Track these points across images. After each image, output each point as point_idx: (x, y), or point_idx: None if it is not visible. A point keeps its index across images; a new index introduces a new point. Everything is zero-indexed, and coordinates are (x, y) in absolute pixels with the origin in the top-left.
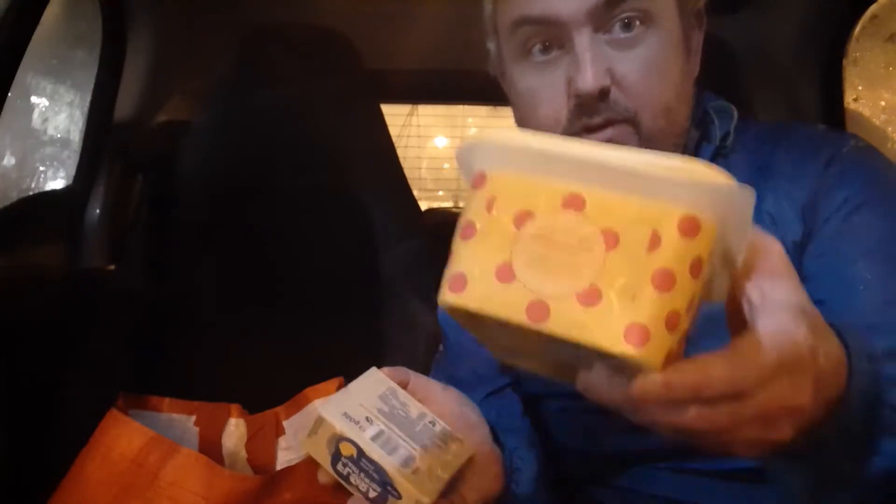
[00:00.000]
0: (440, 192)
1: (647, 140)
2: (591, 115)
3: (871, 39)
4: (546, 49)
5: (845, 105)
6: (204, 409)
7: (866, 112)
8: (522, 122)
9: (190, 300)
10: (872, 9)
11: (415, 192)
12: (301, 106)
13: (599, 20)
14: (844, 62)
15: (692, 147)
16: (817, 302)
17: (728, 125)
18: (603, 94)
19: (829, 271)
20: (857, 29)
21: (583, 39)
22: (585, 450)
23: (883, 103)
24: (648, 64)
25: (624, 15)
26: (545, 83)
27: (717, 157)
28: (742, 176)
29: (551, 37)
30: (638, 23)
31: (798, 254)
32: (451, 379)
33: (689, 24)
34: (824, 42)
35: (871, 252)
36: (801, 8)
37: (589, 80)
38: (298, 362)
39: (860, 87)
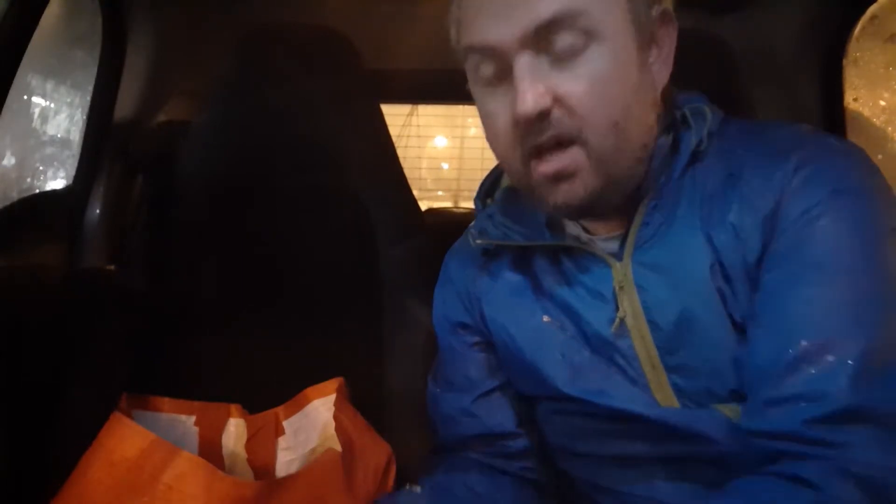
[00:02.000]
0: (440, 193)
1: (598, 160)
2: (536, 138)
3: (871, 39)
4: (495, 74)
5: (845, 105)
6: (204, 409)
7: (866, 112)
8: (489, 141)
9: (190, 300)
10: (872, 9)
11: (415, 192)
12: (301, 106)
13: (537, 44)
14: (844, 62)
15: (661, 157)
16: (758, 324)
17: (702, 131)
18: (542, 115)
19: (774, 290)
20: (857, 29)
21: (521, 65)
22: (578, 452)
23: (883, 103)
24: (591, 81)
25: (561, 37)
26: (497, 107)
27: (691, 165)
28: (712, 185)
29: (497, 62)
30: (579, 42)
31: (756, 270)
32: (445, 382)
33: (645, 32)
34: (824, 42)
35: (820, 267)
36: (801, 8)
37: (524, 103)
38: (298, 362)
39: (860, 87)
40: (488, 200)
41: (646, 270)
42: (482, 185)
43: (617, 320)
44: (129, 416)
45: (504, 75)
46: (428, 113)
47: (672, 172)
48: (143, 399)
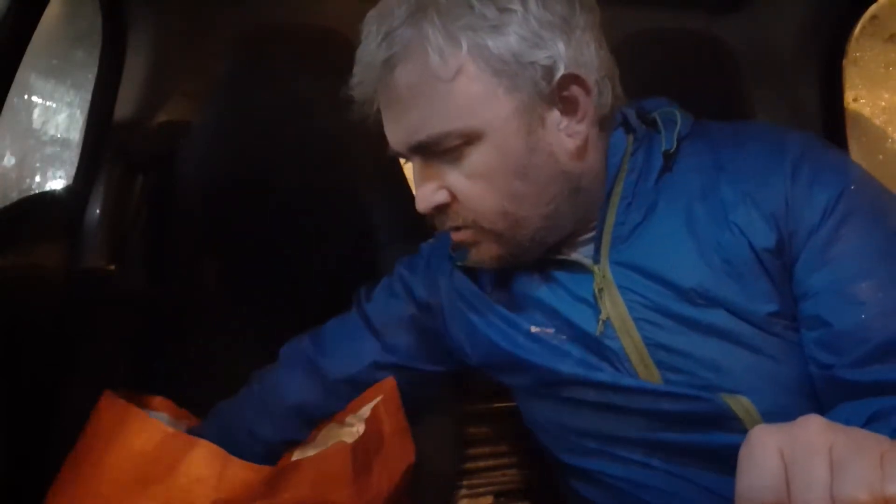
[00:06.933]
0: None
1: (496, 237)
2: (440, 224)
3: (871, 39)
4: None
5: (845, 105)
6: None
7: (866, 112)
8: None
9: (190, 300)
10: (872, 9)
11: (415, 192)
12: (301, 106)
13: (424, 151)
14: (844, 62)
15: (612, 178)
16: (824, 323)
17: (672, 134)
18: (440, 208)
19: (831, 289)
20: (857, 29)
21: (415, 167)
22: (566, 434)
23: (883, 103)
24: (474, 178)
25: (440, 148)
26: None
27: (667, 168)
28: (699, 186)
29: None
30: (460, 146)
31: (774, 259)
32: (366, 311)
33: (536, 113)
34: (824, 42)
35: (872, 270)
36: (801, 8)
37: (418, 204)
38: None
39: (860, 87)
40: None
41: (626, 270)
42: None
43: (600, 322)
44: None
45: None
46: None
47: (647, 175)
48: (148, 399)
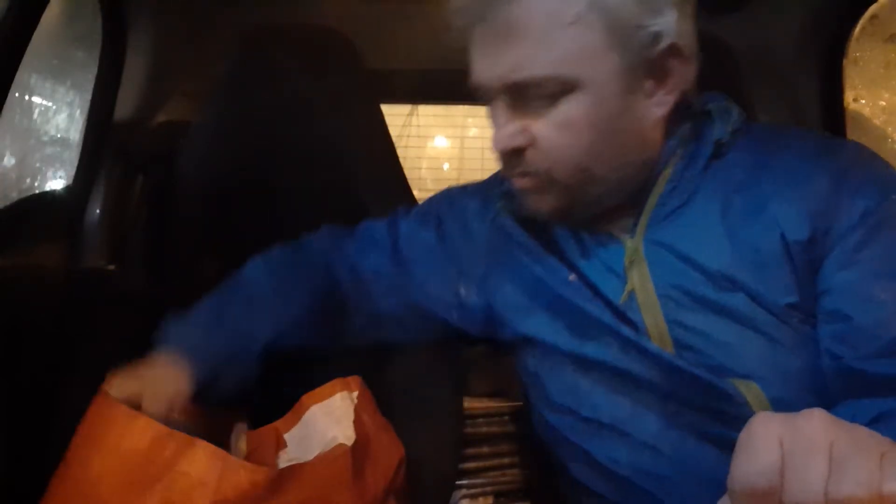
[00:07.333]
0: None
1: (563, 190)
2: (509, 166)
3: (871, 39)
4: (491, 106)
5: (845, 105)
6: (210, 413)
7: (866, 112)
8: None
9: (190, 300)
10: (872, 9)
11: (415, 192)
12: (301, 106)
13: (515, 91)
14: (844, 62)
15: (689, 144)
16: (844, 317)
17: (726, 126)
18: (515, 152)
19: (855, 286)
20: (857, 29)
21: (496, 106)
22: (573, 410)
23: (883, 103)
24: (561, 129)
25: (538, 91)
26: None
27: (715, 158)
28: (740, 180)
29: (489, 98)
30: (556, 92)
31: (802, 253)
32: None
33: (638, 75)
34: (824, 42)
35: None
36: (801, 8)
37: (495, 142)
38: (298, 361)
39: (860, 87)
40: None
41: (658, 248)
42: None
43: (625, 293)
44: None
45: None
46: (428, 113)
47: (695, 162)
48: None
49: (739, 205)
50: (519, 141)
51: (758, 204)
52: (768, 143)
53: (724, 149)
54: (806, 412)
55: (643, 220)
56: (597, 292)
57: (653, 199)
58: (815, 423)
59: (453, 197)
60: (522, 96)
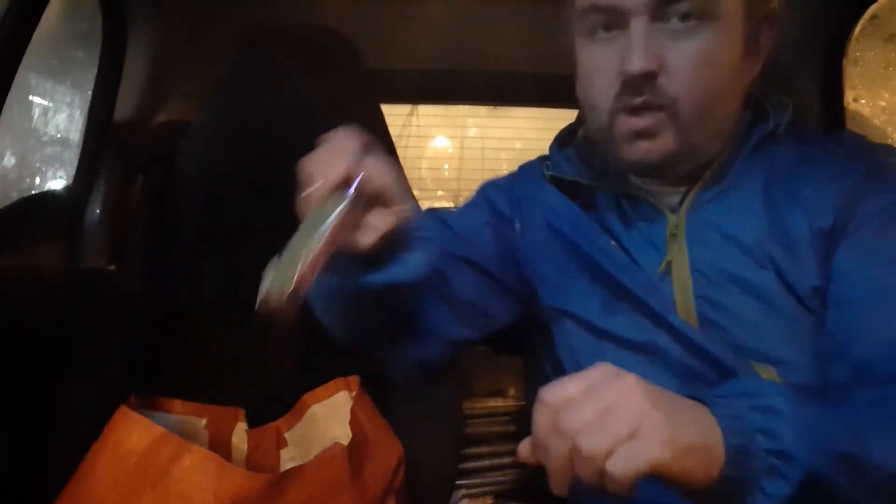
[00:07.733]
0: (440, 193)
1: (681, 129)
2: (633, 96)
3: (871, 39)
4: (608, 29)
5: (845, 105)
6: (214, 412)
7: (866, 112)
8: (581, 93)
9: (190, 300)
10: (872, 9)
11: (415, 192)
12: (301, 106)
13: (658, 11)
14: (844, 62)
15: (742, 131)
16: (845, 300)
17: (781, 118)
18: (649, 76)
19: (860, 270)
20: (857, 29)
21: (639, 25)
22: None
23: (883, 103)
24: (698, 57)
25: (682, 9)
26: (602, 60)
27: (764, 147)
28: (789, 160)
29: (614, 21)
30: (695, 17)
31: (823, 241)
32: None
33: (755, 24)
34: (824, 42)
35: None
36: (801, 8)
37: (636, 61)
38: (297, 361)
39: (860, 87)
40: (564, 148)
41: (699, 225)
42: (560, 134)
43: (664, 263)
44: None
45: (615, 31)
46: (428, 113)
47: (744, 148)
48: (155, 400)
49: (779, 193)
50: (654, 64)
51: (795, 193)
52: (814, 143)
53: (776, 140)
54: (631, 375)
55: (690, 197)
56: (634, 262)
57: (706, 177)
58: (627, 382)
59: (495, 183)
60: (664, 16)
